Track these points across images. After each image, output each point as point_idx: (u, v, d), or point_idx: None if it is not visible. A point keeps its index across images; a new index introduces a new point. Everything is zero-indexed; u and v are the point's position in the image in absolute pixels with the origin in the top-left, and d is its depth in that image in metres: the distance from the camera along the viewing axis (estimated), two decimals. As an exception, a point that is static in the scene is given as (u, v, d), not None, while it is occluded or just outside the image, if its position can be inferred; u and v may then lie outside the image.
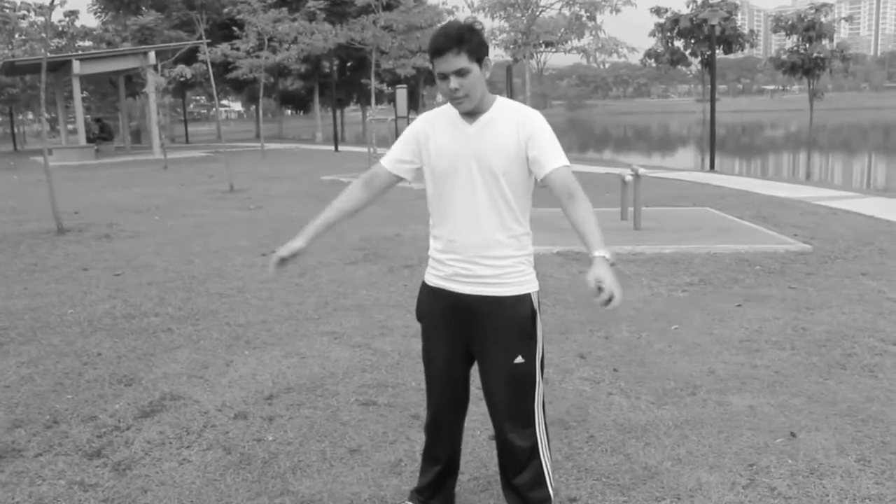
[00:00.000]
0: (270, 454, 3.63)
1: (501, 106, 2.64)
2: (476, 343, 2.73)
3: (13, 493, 3.33)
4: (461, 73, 2.50)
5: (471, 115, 2.63)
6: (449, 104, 2.68)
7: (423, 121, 2.76)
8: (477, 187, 2.61)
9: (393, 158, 2.80)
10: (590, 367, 4.71)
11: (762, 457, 3.49)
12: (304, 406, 4.21)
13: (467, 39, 2.49)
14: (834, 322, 5.52)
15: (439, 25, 2.58)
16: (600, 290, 2.30)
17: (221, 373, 4.77)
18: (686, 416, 3.96)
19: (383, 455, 3.58)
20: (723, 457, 3.50)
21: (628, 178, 9.72)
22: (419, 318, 2.89)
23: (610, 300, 2.29)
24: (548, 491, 2.80)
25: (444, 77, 2.53)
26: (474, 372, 2.84)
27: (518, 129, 2.58)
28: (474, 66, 2.52)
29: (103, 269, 7.99)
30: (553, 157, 2.56)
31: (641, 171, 9.64)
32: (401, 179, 2.82)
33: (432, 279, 2.80)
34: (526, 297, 2.67)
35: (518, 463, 2.77)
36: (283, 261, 2.71)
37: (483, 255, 2.64)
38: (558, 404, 4.10)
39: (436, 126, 2.70)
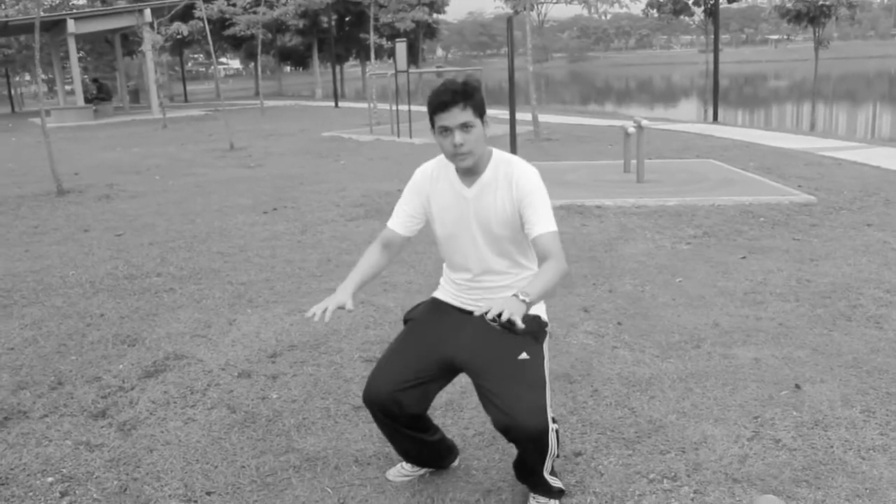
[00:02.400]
0: (275, 412, 3.64)
1: (498, 164, 2.63)
2: (474, 351, 2.61)
3: (20, 453, 3.34)
4: (466, 127, 2.50)
5: (469, 174, 2.63)
6: (443, 158, 2.68)
7: (423, 178, 2.75)
8: (481, 246, 2.68)
9: (401, 222, 2.79)
10: (594, 320, 4.70)
11: (767, 409, 3.49)
12: (308, 364, 4.21)
13: (471, 94, 2.50)
14: (839, 273, 5.49)
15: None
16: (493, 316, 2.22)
17: (224, 332, 4.77)
18: (690, 368, 3.95)
19: (388, 412, 3.58)
20: (727, 409, 3.50)
21: (631, 130, 9.62)
22: (405, 322, 2.89)
23: (503, 318, 2.18)
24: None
25: (447, 132, 2.51)
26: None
27: (512, 190, 2.59)
28: (478, 122, 2.52)
29: (104, 230, 7.96)
30: (541, 222, 2.57)
31: (644, 123, 9.53)
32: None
33: (442, 296, 2.86)
34: (535, 317, 2.65)
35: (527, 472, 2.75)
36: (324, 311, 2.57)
37: (494, 295, 2.68)
38: (562, 359, 4.09)
39: (436, 187, 2.71)
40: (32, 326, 5.00)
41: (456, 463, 3.10)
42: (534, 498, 2.80)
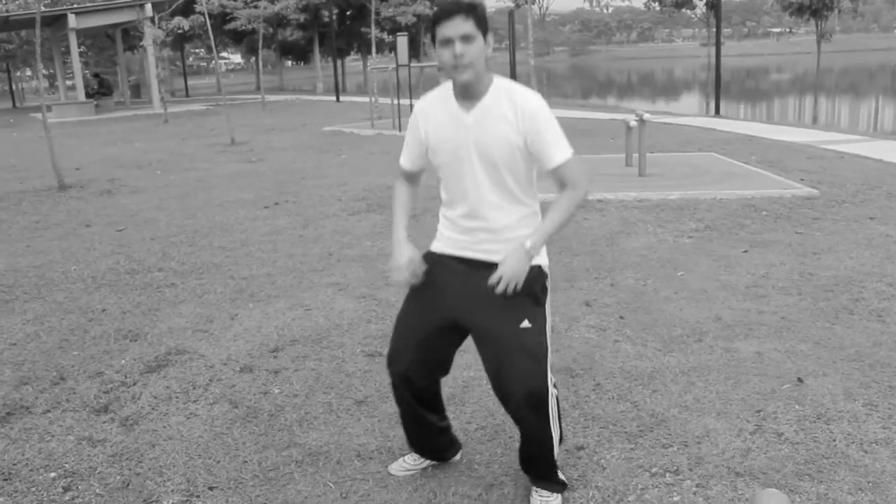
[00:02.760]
0: (277, 407, 3.64)
1: (499, 90, 2.53)
2: (476, 312, 2.60)
3: (23, 449, 3.35)
4: (467, 38, 2.42)
5: (468, 97, 2.53)
6: (443, 85, 2.61)
7: (420, 109, 2.68)
8: (479, 175, 2.57)
9: (411, 158, 2.76)
10: (596, 314, 4.69)
11: (769, 403, 3.49)
12: (310, 358, 4.21)
13: (475, 7, 2.44)
14: (841, 267, 5.48)
15: None
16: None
17: (226, 326, 4.77)
18: (693, 362, 3.95)
19: (390, 406, 3.57)
20: (730, 403, 3.50)
21: (633, 123, 9.60)
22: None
23: (510, 291, 2.45)
24: (557, 479, 2.81)
25: (448, 43, 2.43)
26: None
27: (517, 119, 2.49)
28: (479, 36, 2.45)
29: (106, 225, 7.96)
30: (555, 152, 2.50)
31: (646, 116, 9.51)
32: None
33: (439, 247, 2.78)
34: (535, 267, 2.58)
35: (528, 443, 2.74)
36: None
37: (494, 238, 2.62)
38: (564, 352, 4.09)
39: (433, 115, 2.62)
40: (34, 322, 5.01)
41: (458, 457, 3.10)
42: (536, 491, 2.80)
